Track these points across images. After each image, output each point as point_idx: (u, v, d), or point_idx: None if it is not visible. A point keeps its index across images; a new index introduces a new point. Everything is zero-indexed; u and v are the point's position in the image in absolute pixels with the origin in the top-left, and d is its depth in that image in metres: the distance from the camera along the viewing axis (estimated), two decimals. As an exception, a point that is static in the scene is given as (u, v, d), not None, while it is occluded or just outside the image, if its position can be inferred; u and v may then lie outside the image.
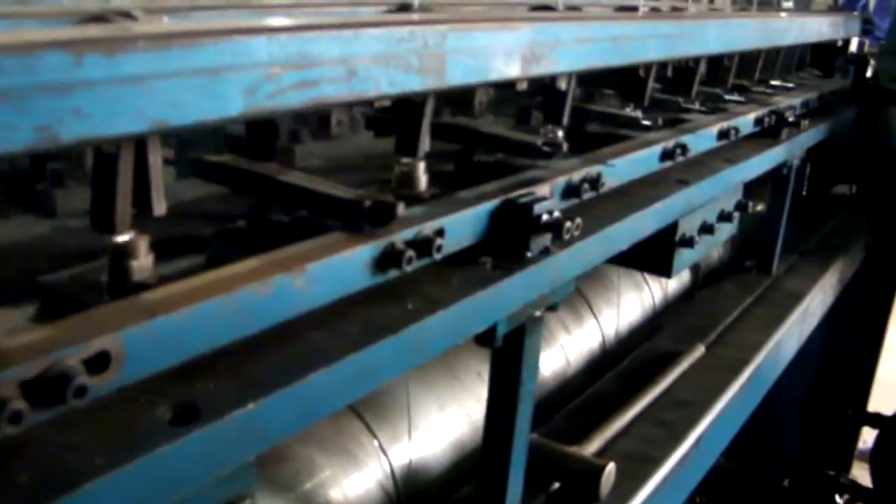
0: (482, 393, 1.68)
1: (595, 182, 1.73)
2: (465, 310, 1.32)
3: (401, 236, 1.24)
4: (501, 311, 1.44)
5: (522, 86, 1.78)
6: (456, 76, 1.31)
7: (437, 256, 1.29)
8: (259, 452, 1.00)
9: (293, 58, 1.03)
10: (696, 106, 2.61)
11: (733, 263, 3.66)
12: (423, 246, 1.27)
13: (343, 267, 1.15)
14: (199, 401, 0.95)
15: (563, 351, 2.51)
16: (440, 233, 1.31)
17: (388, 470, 1.83)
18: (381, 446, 1.84)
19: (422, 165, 1.54)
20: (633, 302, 2.96)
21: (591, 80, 2.40)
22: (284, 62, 1.02)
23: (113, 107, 0.84)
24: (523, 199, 1.49)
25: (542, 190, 1.58)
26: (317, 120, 1.93)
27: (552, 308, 1.62)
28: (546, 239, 1.52)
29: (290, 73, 1.03)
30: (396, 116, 1.51)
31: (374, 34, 1.16)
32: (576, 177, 1.69)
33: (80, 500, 0.79)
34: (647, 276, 3.06)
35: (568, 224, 1.49)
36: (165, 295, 0.98)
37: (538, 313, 1.57)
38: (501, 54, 1.41)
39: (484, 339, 1.45)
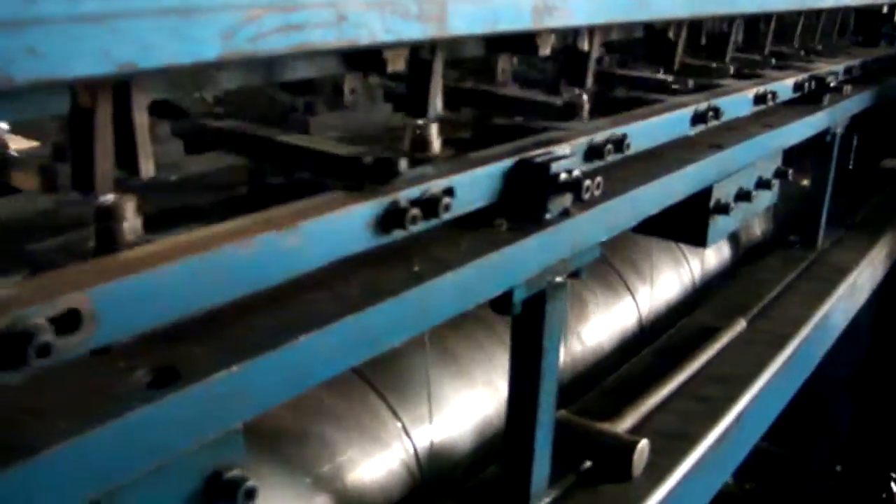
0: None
1: (620, 143, 1.64)
2: (475, 273, 1.24)
3: (405, 194, 1.17)
4: (518, 275, 1.36)
5: (545, 51, 1.69)
6: (459, 25, 1.23)
7: (446, 216, 1.22)
8: (245, 419, 0.93)
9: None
10: (731, 71, 2.49)
11: (777, 238, 3.53)
12: (429, 205, 1.19)
13: (340, 226, 1.08)
14: (180, 364, 0.90)
15: (598, 326, 2.42)
16: (449, 192, 1.23)
17: (411, 451, 1.76)
18: (404, 427, 1.77)
19: (434, 127, 1.46)
20: (671, 278, 2.86)
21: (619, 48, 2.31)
22: (266, 4, 0.95)
23: (72, 46, 0.78)
24: (540, 158, 1.41)
25: (562, 150, 1.49)
26: (331, 90, 1.86)
27: (575, 275, 1.54)
28: (566, 200, 1.43)
29: (272, 15, 0.96)
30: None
31: (367, -26, 1.08)
32: (598, 137, 1.60)
33: (37, 469, 0.73)
34: (686, 251, 2.96)
35: (587, 182, 1.41)
36: (144, 253, 0.92)
37: (560, 279, 1.49)
38: (510, 3, 1.33)
39: (499, 305, 1.37)
